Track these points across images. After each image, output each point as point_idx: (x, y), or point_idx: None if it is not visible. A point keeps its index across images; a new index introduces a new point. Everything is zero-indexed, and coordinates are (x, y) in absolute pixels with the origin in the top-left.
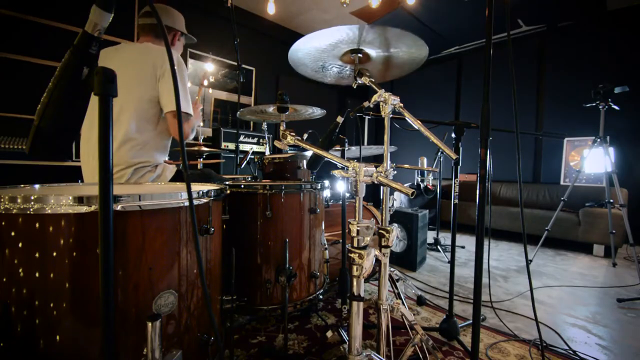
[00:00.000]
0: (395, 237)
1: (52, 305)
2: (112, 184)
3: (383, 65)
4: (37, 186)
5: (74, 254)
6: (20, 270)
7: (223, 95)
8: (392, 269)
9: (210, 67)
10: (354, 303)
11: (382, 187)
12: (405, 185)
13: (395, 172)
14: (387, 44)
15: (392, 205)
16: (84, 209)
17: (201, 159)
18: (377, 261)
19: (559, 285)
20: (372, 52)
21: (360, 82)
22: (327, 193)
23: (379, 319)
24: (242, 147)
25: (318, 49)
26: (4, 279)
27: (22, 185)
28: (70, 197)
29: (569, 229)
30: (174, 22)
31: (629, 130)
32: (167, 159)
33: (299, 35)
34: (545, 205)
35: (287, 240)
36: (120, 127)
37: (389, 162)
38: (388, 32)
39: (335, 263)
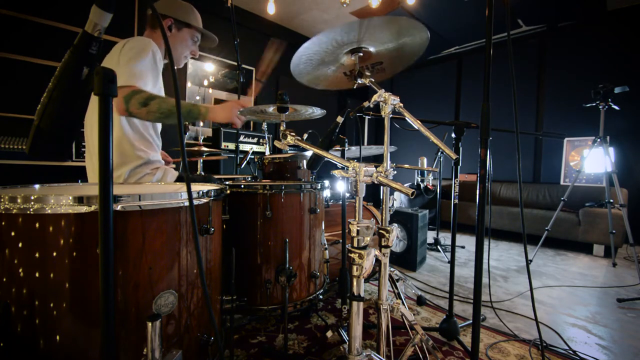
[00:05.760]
0: (395, 237)
1: (52, 305)
2: (112, 184)
3: (388, 59)
4: (37, 186)
5: (74, 254)
6: (20, 270)
7: (223, 95)
8: (392, 269)
9: (210, 67)
10: (354, 303)
11: (382, 187)
12: (405, 185)
13: (395, 172)
14: (386, 36)
15: (392, 205)
16: (84, 209)
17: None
18: (377, 261)
19: (559, 285)
20: (372, 48)
21: (360, 82)
22: (327, 193)
23: (379, 319)
24: (242, 147)
25: (316, 59)
26: (4, 279)
27: (22, 185)
28: (70, 197)
29: (569, 229)
30: (169, 10)
31: (629, 130)
32: (164, 159)
33: (299, 35)
34: (545, 205)
35: (287, 240)
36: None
37: (389, 162)
38: (382, 23)
39: (335, 263)
